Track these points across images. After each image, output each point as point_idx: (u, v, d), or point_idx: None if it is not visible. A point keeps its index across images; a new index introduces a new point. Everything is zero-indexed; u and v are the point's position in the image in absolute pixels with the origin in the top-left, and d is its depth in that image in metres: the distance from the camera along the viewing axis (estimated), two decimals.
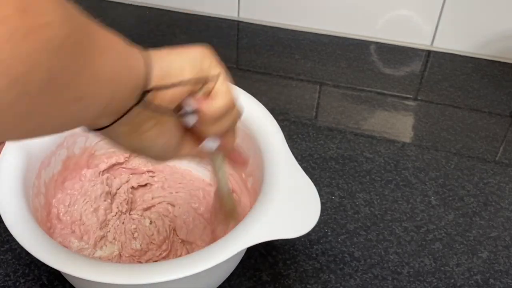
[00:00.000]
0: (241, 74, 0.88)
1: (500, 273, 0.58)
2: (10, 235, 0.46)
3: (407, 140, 0.75)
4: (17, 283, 0.55)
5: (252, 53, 0.92)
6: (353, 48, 0.94)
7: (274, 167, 0.52)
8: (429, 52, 0.93)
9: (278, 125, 0.57)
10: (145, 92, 0.35)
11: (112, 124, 0.36)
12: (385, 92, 0.84)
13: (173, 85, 0.37)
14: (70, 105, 0.29)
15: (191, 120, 0.39)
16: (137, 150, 0.40)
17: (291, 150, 0.54)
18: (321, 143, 0.73)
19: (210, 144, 0.42)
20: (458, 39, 0.91)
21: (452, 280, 0.57)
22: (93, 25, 0.31)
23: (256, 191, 0.54)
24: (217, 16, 1.01)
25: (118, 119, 0.35)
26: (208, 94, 0.39)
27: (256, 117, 0.58)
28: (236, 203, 0.54)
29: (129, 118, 0.35)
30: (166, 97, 0.36)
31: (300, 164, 0.53)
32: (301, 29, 0.98)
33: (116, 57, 0.32)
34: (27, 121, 0.27)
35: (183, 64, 0.37)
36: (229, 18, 1.00)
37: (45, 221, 0.55)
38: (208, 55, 0.39)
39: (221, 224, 0.54)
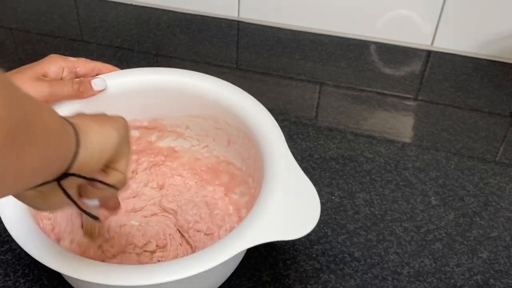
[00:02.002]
0: (241, 74, 0.88)
1: (500, 273, 0.58)
2: (10, 235, 0.46)
3: (407, 140, 0.75)
4: (17, 283, 0.55)
5: (252, 53, 0.92)
6: (353, 48, 0.93)
7: (274, 168, 0.52)
8: (429, 52, 0.93)
9: (278, 125, 0.57)
10: (64, 175, 0.37)
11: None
12: (385, 92, 0.84)
13: (89, 179, 0.39)
14: None
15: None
16: (37, 207, 0.41)
17: (291, 150, 0.54)
18: (321, 143, 0.73)
19: (93, 202, 0.45)
20: (458, 39, 0.91)
21: (452, 280, 0.57)
22: (31, 110, 0.30)
23: (256, 191, 0.54)
24: (217, 16, 1.01)
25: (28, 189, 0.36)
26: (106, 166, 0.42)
27: (256, 117, 0.58)
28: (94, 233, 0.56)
29: (40, 188, 0.37)
30: (83, 171, 0.38)
31: (300, 164, 0.53)
32: (301, 29, 0.97)
33: (45, 147, 0.32)
34: None
35: (105, 149, 0.39)
36: (229, 18, 1.00)
37: (46, 220, 0.55)
38: (125, 133, 0.42)
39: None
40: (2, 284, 0.55)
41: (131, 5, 1.04)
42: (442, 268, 0.58)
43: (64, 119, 0.36)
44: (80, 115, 0.41)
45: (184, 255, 0.56)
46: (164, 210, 0.62)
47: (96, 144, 0.38)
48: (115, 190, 0.43)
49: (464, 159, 0.72)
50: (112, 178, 0.42)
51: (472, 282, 0.57)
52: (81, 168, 0.37)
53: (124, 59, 0.90)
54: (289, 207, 0.49)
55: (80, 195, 0.43)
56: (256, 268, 0.57)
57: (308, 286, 0.56)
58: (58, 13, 1.02)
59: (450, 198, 0.66)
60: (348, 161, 0.71)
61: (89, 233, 0.55)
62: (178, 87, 0.61)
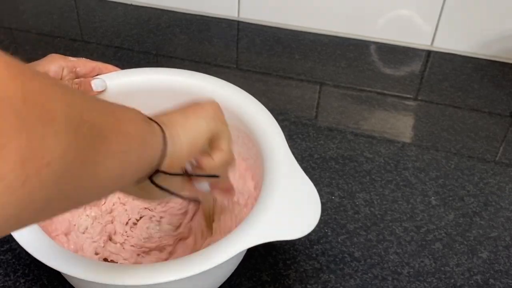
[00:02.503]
0: (241, 74, 0.88)
1: (500, 273, 0.58)
2: (10, 235, 0.46)
3: (407, 140, 0.75)
4: (17, 283, 0.55)
5: (252, 53, 0.92)
6: (353, 48, 0.93)
7: (274, 168, 0.52)
8: (429, 52, 0.93)
9: (278, 125, 0.57)
10: (157, 172, 0.38)
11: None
12: (385, 92, 0.84)
13: (180, 174, 0.41)
14: (68, 206, 0.30)
15: (190, 169, 0.43)
16: (145, 199, 0.44)
17: (291, 150, 0.54)
18: (321, 143, 0.73)
19: (204, 186, 0.47)
20: (458, 39, 0.91)
21: (452, 280, 0.57)
22: (107, 125, 0.30)
23: (256, 192, 0.54)
24: (217, 16, 1.01)
25: (126, 187, 0.38)
26: (211, 148, 0.43)
27: (256, 117, 0.58)
28: (213, 219, 0.58)
29: (138, 186, 0.38)
30: (174, 165, 0.39)
31: (300, 164, 0.53)
32: (301, 29, 0.97)
33: (128, 152, 0.32)
34: (16, 227, 0.26)
35: (195, 139, 0.41)
36: (229, 18, 1.00)
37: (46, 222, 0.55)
38: (217, 117, 0.43)
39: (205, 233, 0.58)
40: (2, 284, 0.55)
41: (131, 5, 1.04)
42: (442, 268, 0.58)
43: (148, 118, 0.37)
44: (167, 112, 0.42)
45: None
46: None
47: (184, 138, 0.39)
48: (221, 171, 0.45)
49: (464, 159, 0.72)
50: (215, 157, 0.43)
51: (472, 282, 0.57)
52: (173, 163, 0.38)
53: (124, 59, 0.90)
54: (289, 207, 0.49)
55: (191, 179, 0.44)
56: (256, 268, 0.57)
57: (308, 286, 0.56)
58: (58, 13, 1.02)
59: (450, 198, 0.66)
60: (348, 161, 0.71)
61: (207, 217, 0.56)
62: (178, 87, 0.61)
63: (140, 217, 0.60)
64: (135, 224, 0.59)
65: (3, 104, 0.22)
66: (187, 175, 0.42)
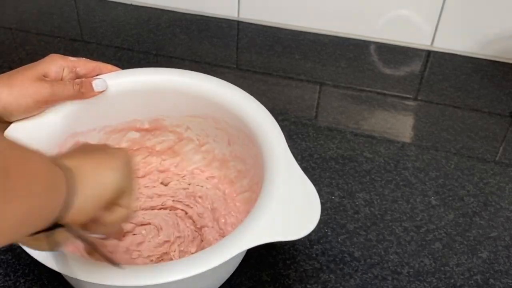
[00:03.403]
0: (241, 74, 0.88)
1: (500, 273, 0.58)
2: None
3: (407, 140, 0.75)
4: (17, 283, 0.55)
5: (252, 53, 0.92)
6: (353, 48, 0.94)
7: (274, 168, 0.52)
8: (429, 52, 0.93)
9: (278, 125, 0.57)
10: (55, 226, 0.35)
11: None
12: (385, 92, 0.84)
13: (80, 234, 0.39)
14: None
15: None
16: (35, 249, 0.41)
17: (291, 150, 0.54)
18: (321, 143, 0.73)
19: (97, 235, 0.45)
20: (458, 39, 0.91)
21: (452, 280, 0.57)
22: (12, 162, 0.29)
23: (256, 192, 0.54)
24: (217, 16, 1.01)
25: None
26: (112, 203, 0.41)
27: (256, 117, 0.58)
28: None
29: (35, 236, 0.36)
30: (77, 219, 0.37)
31: (300, 164, 0.53)
32: (301, 29, 0.97)
33: (33, 199, 0.31)
34: None
35: (102, 193, 0.38)
36: (229, 18, 1.00)
37: None
38: (127, 171, 0.41)
39: None
40: (2, 284, 0.55)
41: (131, 5, 1.04)
42: (442, 268, 0.58)
43: (57, 164, 0.35)
44: (77, 154, 0.40)
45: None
46: (175, 206, 0.62)
47: (91, 190, 0.37)
48: (116, 226, 0.43)
49: (464, 159, 0.72)
50: (114, 215, 0.41)
51: (472, 282, 0.57)
52: (79, 214, 0.36)
53: (124, 59, 0.90)
54: (289, 208, 0.49)
55: (86, 228, 0.42)
56: (256, 268, 0.57)
57: (308, 286, 0.56)
58: (58, 13, 1.02)
59: (450, 198, 0.66)
60: (348, 161, 0.71)
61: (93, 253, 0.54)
62: (178, 87, 0.61)
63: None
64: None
65: None
66: (82, 240, 0.40)
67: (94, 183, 0.38)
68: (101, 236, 0.47)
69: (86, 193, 0.36)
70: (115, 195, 0.40)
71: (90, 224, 0.40)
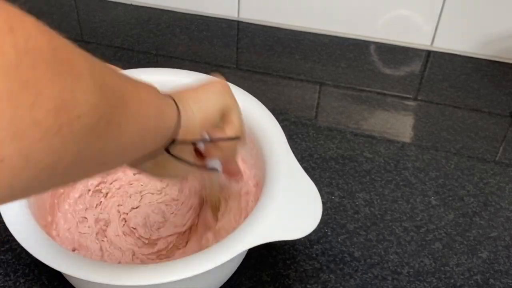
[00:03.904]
0: (241, 74, 0.88)
1: (500, 273, 0.58)
2: (10, 235, 0.46)
3: (407, 140, 0.75)
4: (17, 283, 0.55)
5: (252, 53, 0.92)
6: (353, 48, 0.94)
7: (275, 168, 0.52)
8: (429, 52, 0.93)
9: (279, 125, 0.57)
10: (172, 142, 0.39)
11: (135, 164, 0.39)
12: (385, 92, 0.84)
13: (198, 139, 0.43)
14: (90, 170, 0.31)
15: (203, 147, 0.45)
16: (159, 176, 0.45)
17: (291, 150, 0.54)
18: (321, 143, 0.73)
19: (215, 164, 0.47)
20: (458, 39, 0.91)
21: (452, 280, 0.57)
22: (128, 89, 0.32)
23: (257, 192, 0.54)
24: (217, 16, 1.01)
25: (142, 161, 0.38)
26: (222, 122, 0.45)
27: (257, 117, 0.58)
28: (220, 204, 0.58)
29: (154, 160, 0.39)
30: (188, 136, 0.41)
31: (300, 164, 0.53)
32: (301, 29, 0.98)
33: (146, 119, 0.34)
34: (44, 187, 0.28)
35: (207, 113, 0.42)
36: (229, 18, 1.00)
37: (46, 221, 0.55)
38: (225, 92, 0.44)
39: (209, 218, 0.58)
40: (2, 284, 0.55)
41: (131, 5, 1.04)
42: (442, 268, 0.58)
43: (162, 93, 0.38)
44: (177, 89, 0.43)
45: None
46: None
47: (196, 110, 0.40)
48: (235, 142, 0.46)
49: (464, 159, 0.72)
50: (227, 131, 0.45)
51: (472, 282, 0.57)
52: (187, 134, 0.40)
53: (124, 59, 0.90)
54: (290, 207, 0.49)
55: (202, 157, 0.45)
56: (256, 268, 0.57)
57: (308, 286, 0.56)
58: (58, 13, 1.02)
59: (450, 198, 0.66)
60: (348, 161, 0.71)
61: (214, 207, 0.57)
62: (178, 87, 0.61)
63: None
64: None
65: (35, 54, 0.23)
66: (204, 141, 0.43)
67: (197, 105, 0.41)
68: (218, 168, 0.48)
69: (192, 113, 0.40)
70: (222, 114, 0.43)
71: (206, 149, 0.44)
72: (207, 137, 0.44)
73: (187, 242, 0.58)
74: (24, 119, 0.22)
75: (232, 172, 0.53)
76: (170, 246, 0.57)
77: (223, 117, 0.45)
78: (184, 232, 0.59)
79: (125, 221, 0.59)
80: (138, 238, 0.58)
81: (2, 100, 0.21)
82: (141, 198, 0.61)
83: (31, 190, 0.26)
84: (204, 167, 0.46)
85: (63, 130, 0.24)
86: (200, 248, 0.56)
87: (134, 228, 0.58)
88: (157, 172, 0.43)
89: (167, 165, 0.41)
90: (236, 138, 0.46)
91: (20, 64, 0.22)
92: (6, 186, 0.23)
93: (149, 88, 0.36)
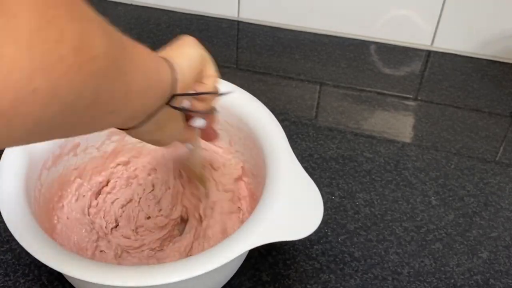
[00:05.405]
0: (241, 74, 0.88)
1: (500, 273, 0.58)
2: (10, 235, 0.46)
3: (407, 140, 0.75)
4: (17, 283, 0.55)
5: (252, 53, 0.92)
6: (353, 48, 0.94)
7: (276, 168, 0.52)
8: (429, 52, 0.93)
9: (280, 125, 0.57)
10: (173, 96, 0.41)
11: (140, 124, 0.41)
12: (385, 92, 0.84)
13: (194, 94, 0.46)
14: (104, 117, 0.33)
15: (188, 104, 0.47)
16: (156, 142, 0.48)
17: (291, 150, 0.54)
18: (321, 143, 0.73)
19: (199, 121, 0.50)
20: (458, 39, 0.91)
21: (452, 280, 0.57)
22: (129, 44, 0.35)
23: (258, 192, 0.54)
24: (217, 16, 1.01)
25: (146, 120, 0.41)
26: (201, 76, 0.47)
27: (258, 117, 0.58)
28: (204, 172, 0.61)
29: (155, 118, 0.41)
30: (184, 90, 0.44)
31: (300, 164, 0.53)
32: (301, 29, 0.97)
33: (147, 72, 0.37)
34: (64, 129, 0.31)
35: (192, 65, 0.45)
36: (229, 18, 1.00)
37: (46, 221, 0.55)
38: (198, 45, 0.47)
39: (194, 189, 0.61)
40: (2, 284, 0.55)
41: (131, 5, 1.04)
42: (442, 268, 0.58)
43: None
44: (159, 51, 0.45)
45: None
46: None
47: (185, 65, 0.43)
48: (215, 95, 0.49)
49: (464, 159, 0.72)
50: (209, 83, 0.48)
51: (472, 282, 0.57)
52: (182, 88, 0.43)
53: None
54: (292, 208, 0.49)
55: (187, 118, 0.49)
56: (256, 268, 0.57)
57: (308, 286, 0.56)
58: None
59: (450, 198, 0.66)
60: (348, 161, 0.71)
61: (200, 179, 0.59)
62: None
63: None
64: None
65: None
66: (194, 95, 0.47)
67: (184, 60, 0.44)
68: (203, 125, 0.51)
69: (182, 68, 0.43)
70: (202, 65, 0.46)
71: (193, 104, 0.47)
72: (188, 103, 0.47)
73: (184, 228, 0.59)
74: (52, 53, 0.24)
75: (210, 135, 0.55)
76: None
77: (201, 71, 0.47)
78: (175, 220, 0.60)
79: (124, 219, 0.59)
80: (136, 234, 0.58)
81: (33, 34, 0.23)
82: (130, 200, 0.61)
83: (54, 129, 0.29)
84: (191, 127, 0.50)
85: (83, 68, 0.26)
86: (199, 223, 0.57)
87: (136, 229, 0.59)
88: (155, 135, 0.45)
89: (166, 125, 0.44)
90: (216, 92, 0.49)
91: (46, 3, 0.24)
92: (37, 117, 0.25)
93: (144, 47, 0.38)
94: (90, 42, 0.27)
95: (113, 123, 0.37)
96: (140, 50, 0.36)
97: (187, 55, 0.45)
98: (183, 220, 0.60)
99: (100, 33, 0.28)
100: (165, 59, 0.42)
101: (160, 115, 0.42)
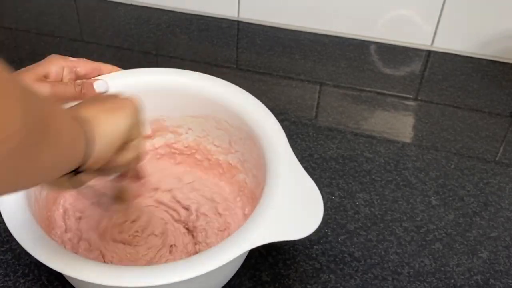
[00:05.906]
0: (241, 74, 0.88)
1: (500, 273, 0.58)
2: (10, 235, 0.46)
3: (407, 140, 0.75)
4: (17, 283, 0.55)
5: (252, 53, 0.92)
6: (353, 48, 0.93)
7: (276, 168, 0.52)
8: (429, 52, 0.93)
9: (280, 125, 0.57)
10: (78, 169, 0.41)
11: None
12: (385, 92, 0.84)
13: (103, 170, 0.44)
14: (7, 189, 0.32)
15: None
16: (58, 189, 0.49)
17: (292, 150, 0.54)
18: (321, 143, 0.73)
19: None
20: (458, 39, 0.91)
21: (452, 281, 0.57)
22: (49, 115, 0.33)
23: (258, 192, 0.54)
24: (217, 16, 1.01)
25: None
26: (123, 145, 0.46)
27: (258, 117, 0.58)
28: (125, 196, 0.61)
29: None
30: (95, 163, 0.42)
31: (300, 164, 0.53)
32: (301, 29, 0.97)
33: (62, 148, 0.35)
34: None
35: (115, 137, 0.43)
36: (229, 18, 1.00)
37: (47, 221, 0.55)
38: (135, 117, 0.46)
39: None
40: (2, 284, 0.55)
41: (131, 5, 1.04)
42: (442, 268, 0.58)
43: (76, 116, 0.39)
44: (92, 104, 0.44)
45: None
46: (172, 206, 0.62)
47: (109, 135, 0.42)
48: (130, 166, 0.48)
49: (464, 159, 0.72)
50: (127, 155, 0.46)
51: (472, 282, 0.57)
52: (98, 158, 0.41)
53: (124, 59, 0.90)
54: (292, 208, 0.49)
55: (104, 170, 0.47)
56: (256, 268, 0.57)
57: (308, 286, 0.56)
58: (58, 13, 1.02)
59: (450, 198, 0.66)
60: (348, 161, 0.71)
61: (119, 198, 0.59)
62: (179, 87, 0.61)
63: None
64: None
65: None
66: (101, 175, 0.46)
67: (109, 131, 0.42)
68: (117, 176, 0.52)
69: (103, 141, 0.41)
70: (127, 138, 0.45)
71: (107, 166, 0.45)
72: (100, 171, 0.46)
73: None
74: None
75: (133, 177, 0.55)
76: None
77: (126, 142, 0.45)
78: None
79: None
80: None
81: None
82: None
83: None
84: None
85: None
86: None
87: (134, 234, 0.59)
88: (61, 186, 0.44)
89: (70, 182, 0.43)
90: (125, 179, 0.50)
91: None
92: None
93: (63, 112, 0.37)
94: (2, 121, 0.26)
95: (26, 187, 0.36)
96: (58, 120, 0.35)
97: (115, 125, 0.43)
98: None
99: (14, 111, 0.28)
100: (86, 129, 0.40)
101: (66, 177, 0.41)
